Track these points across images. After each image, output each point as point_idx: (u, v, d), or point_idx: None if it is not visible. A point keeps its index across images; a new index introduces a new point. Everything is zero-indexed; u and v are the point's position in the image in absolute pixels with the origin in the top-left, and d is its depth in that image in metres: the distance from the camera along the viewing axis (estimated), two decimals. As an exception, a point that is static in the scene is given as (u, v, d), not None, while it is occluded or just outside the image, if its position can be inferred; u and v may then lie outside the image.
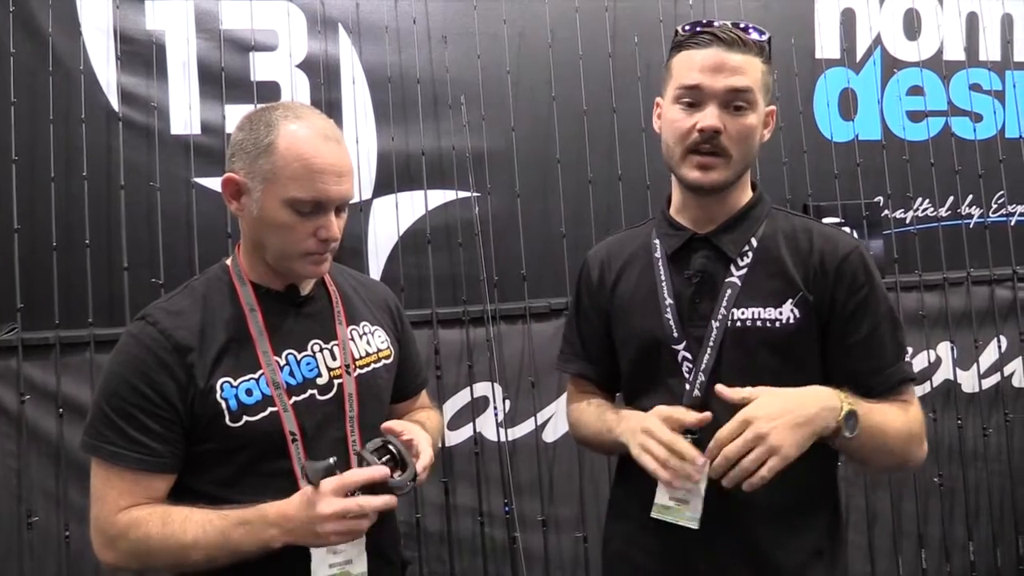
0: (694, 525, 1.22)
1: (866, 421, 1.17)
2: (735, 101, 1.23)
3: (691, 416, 1.19)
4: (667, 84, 1.31)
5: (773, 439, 1.09)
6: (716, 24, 1.25)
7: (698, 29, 1.25)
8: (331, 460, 1.13)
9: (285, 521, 1.12)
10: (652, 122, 1.37)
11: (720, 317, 1.26)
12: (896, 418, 1.23)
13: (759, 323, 1.26)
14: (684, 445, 1.16)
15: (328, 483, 1.11)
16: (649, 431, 1.19)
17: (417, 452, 1.24)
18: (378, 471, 1.14)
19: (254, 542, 1.12)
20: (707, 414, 1.19)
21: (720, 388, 1.18)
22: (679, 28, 1.29)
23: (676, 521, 1.23)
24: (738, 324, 1.26)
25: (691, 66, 1.24)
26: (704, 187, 1.26)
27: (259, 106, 1.24)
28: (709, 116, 1.22)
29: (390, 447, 1.18)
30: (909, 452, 1.27)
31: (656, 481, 1.22)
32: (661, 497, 1.26)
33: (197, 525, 1.13)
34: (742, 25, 1.26)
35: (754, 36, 1.25)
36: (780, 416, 1.11)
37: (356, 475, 1.13)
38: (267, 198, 1.18)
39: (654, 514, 1.26)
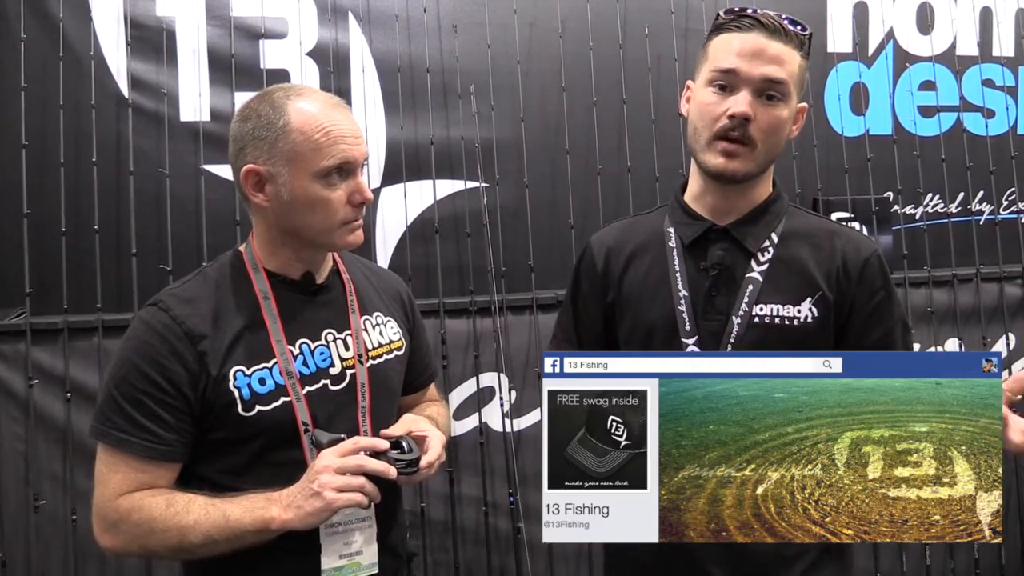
0: None
1: None
2: (769, 91, 1.21)
3: None
4: (701, 67, 1.27)
5: None
6: (760, 11, 1.22)
7: (741, 14, 1.23)
8: (342, 436, 1.16)
9: (286, 496, 1.12)
10: (680, 106, 1.33)
11: (742, 313, 1.25)
12: None
13: (777, 320, 1.25)
14: None
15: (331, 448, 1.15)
16: None
17: (427, 449, 1.24)
18: (379, 440, 1.17)
19: (253, 520, 1.11)
20: None
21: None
22: (720, 12, 1.26)
23: None
24: (756, 320, 1.25)
25: (729, 49, 1.22)
26: (725, 175, 1.24)
27: (252, 97, 1.24)
28: (741, 102, 1.19)
29: (401, 441, 1.20)
30: None
31: None
32: None
33: (200, 507, 1.13)
34: (785, 17, 1.24)
35: (797, 29, 1.23)
36: None
37: (358, 440, 1.16)
38: (295, 178, 1.17)
39: None
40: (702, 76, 1.26)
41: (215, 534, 1.12)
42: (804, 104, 1.30)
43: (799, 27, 1.24)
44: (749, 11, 1.23)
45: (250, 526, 1.11)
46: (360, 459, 1.13)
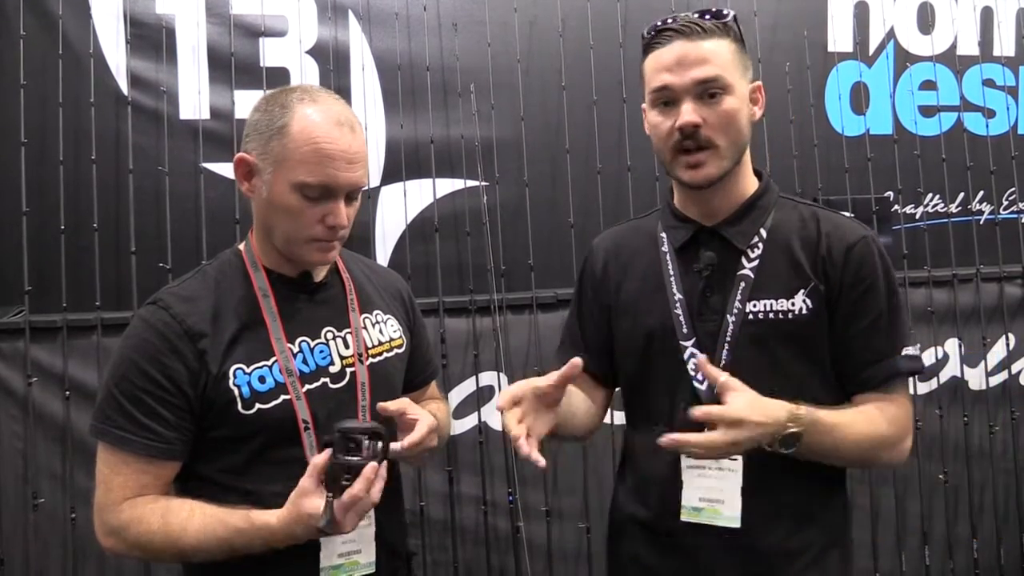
0: (735, 524, 1.21)
1: (812, 438, 1.14)
2: (708, 90, 1.22)
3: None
4: (644, 90, 1.30)
5: (734, 450, 1.12)
6: (677, 19, 1.25)
7: (659, 29, 1.25)
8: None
9: (291, 540, 1.12)
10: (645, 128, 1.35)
11: (735, 311, 1.25)
12: (864, 427, 1.21)
13: (772, 315, 1.24)
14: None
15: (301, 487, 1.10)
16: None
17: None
18: (318, 457, 1.11)
19: (259, 546, 1.13)
20: (578, 360, 1.12)
21: (701, 359, 1.19)
22: (644, 32, 1.29)
23: (713, 523, 1.22)
24: (751, 317, 1.25)
25: (658, 67, 1.24)
26: (701, 184, 1.25)
27: (278, 88, 1.23)
28: (685, 113, 1.21)
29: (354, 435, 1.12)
30: (871, 458, 1.27)
31: (677, 481, 1.24)
32: (689, 499, 1.24)
33: (198, 531, 1.13)
34: (705, 11, 1.25)
35: (716, 20, 1.24)
36: (751, 435, 1.10)
37: (314, 465, 1.10)
38: (276, 180, 1.17)
39: (685, 518, 1.24)
40: (647, 99, 1.29)
41: (215, 551, 1.13)
42: (758, 82, 1.30)
43: (718, 17, 1.25)
44: (667, 22, 1.25)
45: (255, 549, 1.13)
46: (355, 489, 1.08)
